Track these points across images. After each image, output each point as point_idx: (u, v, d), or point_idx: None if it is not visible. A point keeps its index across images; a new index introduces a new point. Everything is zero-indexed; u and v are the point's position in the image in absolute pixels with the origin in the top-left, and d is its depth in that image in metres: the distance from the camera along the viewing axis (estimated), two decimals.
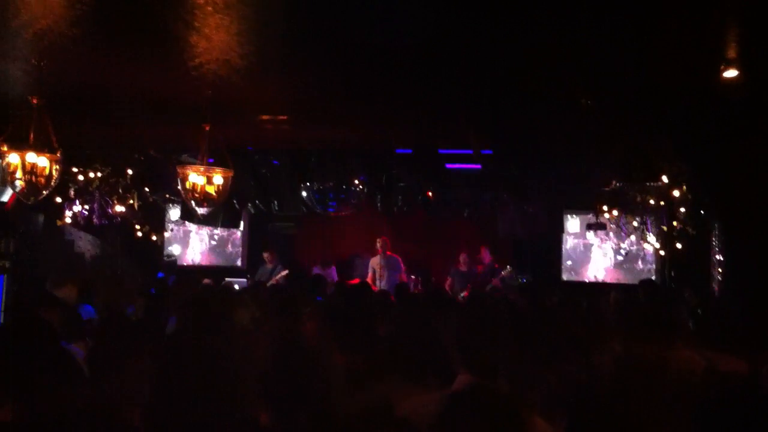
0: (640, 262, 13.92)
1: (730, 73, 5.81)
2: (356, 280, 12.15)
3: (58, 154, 7.00)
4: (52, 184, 7.00)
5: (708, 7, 4.84)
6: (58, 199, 11.85)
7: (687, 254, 11.54)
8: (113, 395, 2.78)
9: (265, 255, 13.00)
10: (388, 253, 12.71)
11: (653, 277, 13.02)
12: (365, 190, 12.02)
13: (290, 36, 5.60)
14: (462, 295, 11.61)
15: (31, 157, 6.70)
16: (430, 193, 12.45)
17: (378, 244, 12.70)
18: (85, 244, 13.39)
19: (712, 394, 2.76)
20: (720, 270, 11.76)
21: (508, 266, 12.67)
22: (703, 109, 7.15)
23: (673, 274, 12.10)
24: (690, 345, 4.30)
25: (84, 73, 6.86)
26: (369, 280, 12.26)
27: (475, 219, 13.30)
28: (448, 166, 11.60)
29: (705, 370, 3.28)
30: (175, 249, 15.04)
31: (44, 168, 6.79)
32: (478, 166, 11.51)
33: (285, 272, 12.32)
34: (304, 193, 12.12)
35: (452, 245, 14.03)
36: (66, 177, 11.09)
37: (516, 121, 8.65)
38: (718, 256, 11.74)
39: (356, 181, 11.97)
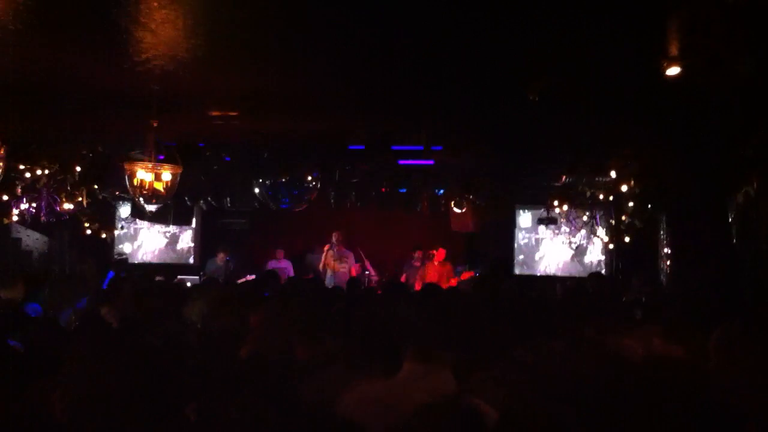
0: (590, 256, 14.15)
1: (673, 71, 5.92)
2: (310, 276, 12.18)
3: (2, 151, 6.88)
4: None
5: (650, 4, 4.93)
6: (5, 197, 11.64)
7: (635, 247, 11.77)
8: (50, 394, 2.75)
9: (219, 255, 13.01)
10: (342, 248, 12.76)
11: (603, 270, 13.26)
12: (318, 185, 12.01)
13: (238, 30, 5.56)
14: (415, 288, 11.70)
15: None
16: (383, 189, 12.53)
17: (333, 238, 12.75)
18: (32, 242, 13.17)
19: (650, 380, 2.82)
20: (667, 262, 12.00)
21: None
22: (651, 104, 7.28)
23: (621, 266, 12.32)
24: (632, 333, 4.40)
25: (27, 67, 6.71)
26: (321, 266, 12.41)
27: (428, 214, 13.39)
28: (401, 161, 11.65)
29: (644, 356, 3.36)
30: (126, 247, 14.87)
31: None
32: (431, 162, 11.57)
33: (251, 277, 12.29)
34: (256, 189, 12.04)
35: (406, 240, 14.11)
36: (12, 174, 10.89)
37: (466, 116, 8.71)
38: (665, 249, 11.99)
39: (309, 177, 11.94)
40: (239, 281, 11.85)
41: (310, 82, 7.26)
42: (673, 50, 5.78)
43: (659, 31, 5.44)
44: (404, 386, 2.80)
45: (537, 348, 3.23)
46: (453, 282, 12.22)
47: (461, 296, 6.44)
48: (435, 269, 12.70)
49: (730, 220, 8.27)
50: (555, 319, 4.19)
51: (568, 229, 13.37)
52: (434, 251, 12.98)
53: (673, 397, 2.61)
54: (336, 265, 12.50)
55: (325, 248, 12.89)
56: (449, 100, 7.88)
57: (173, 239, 15.15)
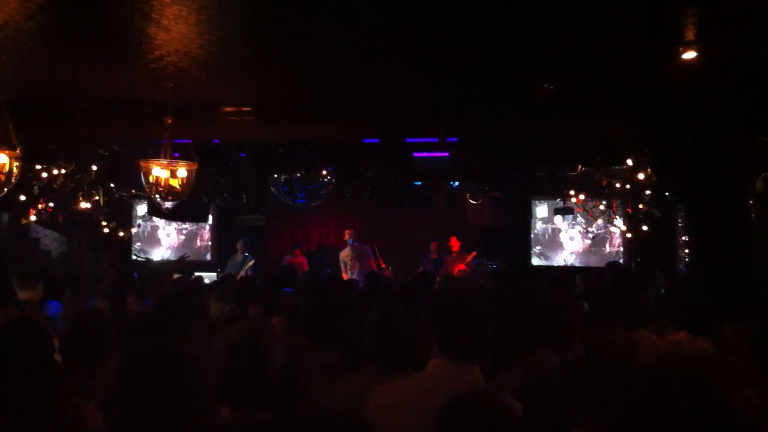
0: (607, 245, 14.06)
1: (689, 55, 5.88)
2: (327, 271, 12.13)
3: (18, 151, 6.88)
4: (12, 181, 6.87)
5: None
6: (23, 198, 11.70)
7: (653, 236, 11.68)
8: (83, 392, 2.75)
9: (238, 244, 12.94)
10: (357, 243, 12.69)
11: (621, 260, 13.16)
12: (333, 180, 11.98)
13: (251, 25, 5.55)
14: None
15: None
16: (398, 183, 12.49)
17: (346, 236, 12.67)
18: (51, 242, 13.25)
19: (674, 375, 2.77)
20: (686, 251, 11.90)
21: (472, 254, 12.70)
22: (665, 91, 7.22)
23: (639, 256, 12.23)
24: (654, 328, 4.34)
25: (43, 68, 6.75)
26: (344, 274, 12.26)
27: (444, 207, 13.34)
28: (416, 154, 11.59)
29: (668, 351, 3.30)
30: (146, 249, 14.93)
31: (4, 165, 6.65)
32: (446, 154, 11.52)
33: (251, 262, 12.24)
34: (272, 186, 12.03)
35: (422, 234, 14.07)
36: (29, 175, 10.94)
37: (481, 108, 8.66)
38: (683, 237, 11.89)
39: (324, 172, 11.91)
40: (242, 271, 11.72)
41: (322, 78, 7.24)
42: (690, 35, 5.73)
43: (677, 17, 5.40)
44: (433, 382, 2.77)
45: (559, 349, 3.20)
46: (461, 266, 12.19)
47: (481, 293, 6.38)
48: (453, 261, 12.65)
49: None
50: (576, 318, 4.13)
51: (584, 220, 13.29)
52: (449, 243, 12.92)
53: (697, 393, 2.56)
54: (354, 264, 12.40)
55: (343, 248, 12.81)
56: (463, 95, 7.84)
57: (190, 237, 15.19)
